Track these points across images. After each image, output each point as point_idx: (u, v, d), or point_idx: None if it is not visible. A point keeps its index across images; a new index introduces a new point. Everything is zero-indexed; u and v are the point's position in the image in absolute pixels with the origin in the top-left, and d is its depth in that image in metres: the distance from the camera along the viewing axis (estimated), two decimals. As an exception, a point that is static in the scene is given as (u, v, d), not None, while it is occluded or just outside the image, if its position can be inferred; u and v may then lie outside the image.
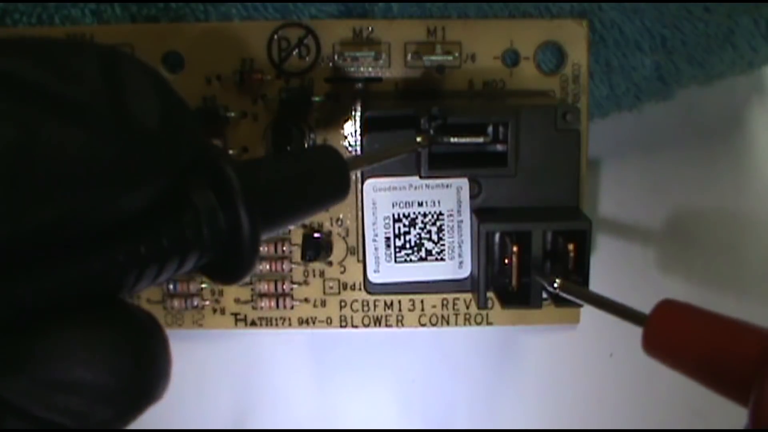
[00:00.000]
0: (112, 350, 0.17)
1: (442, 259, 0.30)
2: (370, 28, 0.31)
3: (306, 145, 0.31)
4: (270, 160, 0.27)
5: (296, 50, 0.31)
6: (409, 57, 0.32)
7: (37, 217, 0.15)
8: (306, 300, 0.33)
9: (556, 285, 0.27)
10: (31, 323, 0.16)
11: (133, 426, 0.36)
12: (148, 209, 0.18)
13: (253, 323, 0.34)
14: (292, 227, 0.31)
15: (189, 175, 0.19)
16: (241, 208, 0.19)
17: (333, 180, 0.24)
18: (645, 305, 0.35)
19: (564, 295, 0.27)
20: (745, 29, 0.32)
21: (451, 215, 0.30)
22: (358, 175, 0.32)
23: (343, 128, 0.32)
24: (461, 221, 0.30)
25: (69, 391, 0.16)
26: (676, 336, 0.22)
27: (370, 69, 0.32)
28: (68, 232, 0.16)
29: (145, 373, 0.17)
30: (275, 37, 0.31)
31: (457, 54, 0.31)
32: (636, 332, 0.35)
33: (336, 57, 0.31)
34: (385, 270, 0.30)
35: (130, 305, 0.18)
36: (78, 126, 0.16)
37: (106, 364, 0.17)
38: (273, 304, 0.33)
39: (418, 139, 0.28)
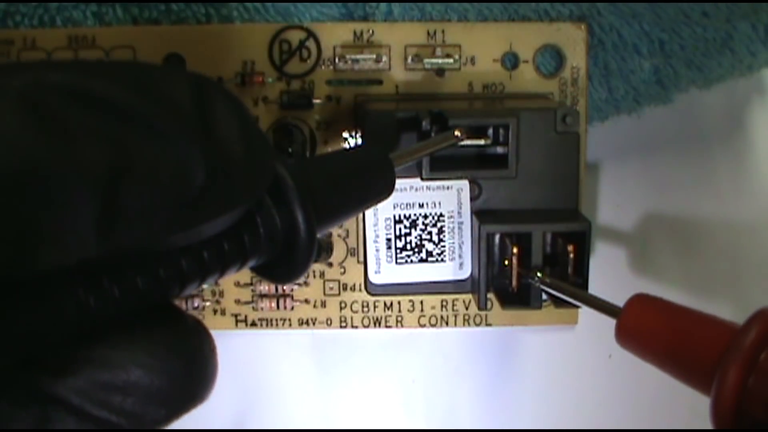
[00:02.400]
0: (167, 353, 0.17)
1: (442, 260, 0.30)
2: (370, 31, 0.32)
3: (307, 149, 0.31)
4: (320, 158, 0.27)
5: (297, 53, 0.32)
6: (409, 60, 0.32)
7: (125, 239, 0.16)
8: (306, 301, 0.33)
9: (536, 279, 0.28)
10: (94, 327, 0.17)
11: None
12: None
13: (253, 324, 0.34)
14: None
15: None
16: (296, 207, 0.19)
17: (381, 176, 0.24)
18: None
19: (544, 288, 0.28)
20: (743, 34, 0.32)
21: (451, 217, 0.30)
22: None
23: (343, 130, 0.32)
24: (462, 223, 0.30)
25: (125, 392, 0.17)
26: (646, 328, 0.23)
27: (370, 72, 0.32)
28: (149, 250, 0.17)
29: (197, 375, 0.18)
30: (276, 39, 0.31)
31: (457, 57, 0.32)
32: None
33: (337, 59, 0.32)
34: (386, 271, 0.30)
35: (181, 310, 0.19)
36: (170, 151, 0.16)
37: (162, 366, 0.17)
38: (273, 305, 0.33)
39: (457, 133, 0.28)
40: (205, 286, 0.19)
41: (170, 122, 0.16)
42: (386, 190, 0.25)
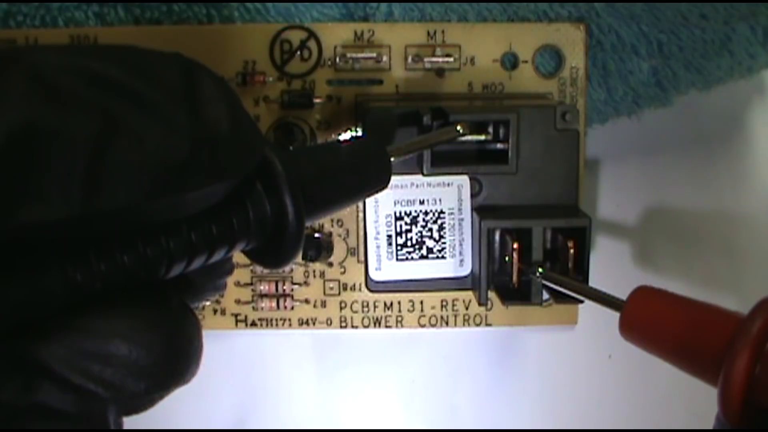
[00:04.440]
0: (147, 327, 0.18)
1: (443, 257, 0.30)
2: (371, 31, 0.32)
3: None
4: (314, 149, 0.28)
5: (298, 53, 0.32)
6: (409, 60, 0.32)
7: (106, 204, 0.16)
8: (306, 301, 0.33)
9: (538, 274, 0.28)
10: (83, 301, 0.17)
11: (133, 426, 0.36)
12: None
13: (253, 324, 0.34)
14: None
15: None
16: (286, 196, 0.20)
17: (376, 168, 0.24)
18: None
19: (546, 283, 0.28)
20: (742, 36, 0.32)
21: (452, 213, 0.30)
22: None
23: (344, 130, 0.32)
24: (462, 219, 0.30)
25: (105, 362, 0.17)
26: (651, 320, 0.23)
27: (371, 71, 0.32)
28: (134, 219, 0.17)
29: (177, 352, 0.18)
30: (277, 39, 0.32)
31: (456, 57, 0.32)
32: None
33: (337, 59, 0.32)
34: (386, 268, 0.30)
35: (169, 291, 0.19)
36: (157, 122, 0.17)
37: (141, 339, 0.18)
38: (273, 304, 0.33)
39: (459, 128, 0.28)
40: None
41: (158, 96, 0.17)
42: (381, 182, 0.25)
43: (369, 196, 0.25)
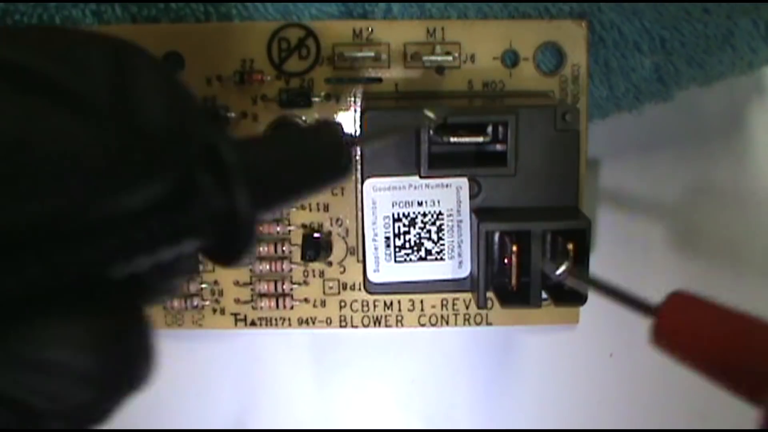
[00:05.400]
0: (90, 331, 0.16)
1: (441, 259, 0.30)
2: (370, 29, 0.31)
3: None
4: (270, 138, 0.27)
5: (296, 51, 0.31)
6: (408, 57, 0.32)
7: (30, 210, 0.15)
8: (306, 300, 0.33)
9: (560, 271, 0.27)
10: (14, 307, 0.16)
11: (133, 426, 0.36)
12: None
13: (253, 323, 0.34)
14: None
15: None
16: (237, 190, 0.19)
17: (334, 159, 0.23)
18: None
19: (569, 283, 0.27)
20: (744, 30, 0.32)
21: (450, 215, 0.30)
22: (358, 175, 0.32)
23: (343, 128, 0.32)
24: (461, 221, 0.30)
25: (45, 372, 0.16)
26: (688, 330, 0.22)
27: (370, 69, 0.32)
28: (63, 224, 0.16)
29: (125, 357, 0.17)
30: (275, 37, 0.31)
31: (456, 54, 0.32)
32: (636, 332, 0.35)
33: (336, 58, 0.32)
34: (384, 270, 0.30)
35: (115, 291, 0.18)
36: (79, 119, 0.15)
37: (84, 344, 0.16)
38: (273, 304, 0.33)
39: (429, 114, 0.27)
40: (148, 267, 0.18)
41: (80, 89, 0.16)
42: (340, 173, 0.24)
43: (330, 186, 0.24)
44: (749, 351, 0.20)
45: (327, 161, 0.23)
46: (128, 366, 0.17)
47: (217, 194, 0.19)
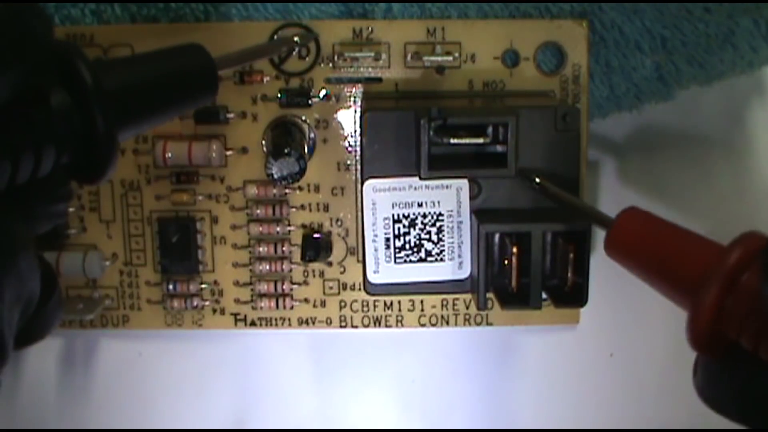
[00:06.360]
0: None
1: (441, 260, 0.30)
2: (370, 29, 0.31)
3: (306, 147, 0.31)
4: (132, 58, 0.27)
5: (296, 50, 0.31)
6: (409, 57, 0.32)
7: None
8: (306, 300, 0.33)
9: (537, 180, 0.28)
10: None
11: (133, 426, 0.36)
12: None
13: (252, 323, 0.34)
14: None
15: (44, 73, 0.19)
16: (95, 108, 0.19)
17: (199, 78, 0.23)
18: (645, 304, 0.35)
19: (544, 191, 0.28)
20: (745, 30, 0.32)
21: (450, 216, 0.30)
22: (358, 176, 0.32)
23: (343, 129, 0.32)
24: (461, 222, 0.30)
25: None
26: (636, 239, 0.24)
27: (370, 69, 0.32)
28: None
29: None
30: (275, 37, 0.31)
31: (457, 54, 0.31)
32: (636, 332, 0.35)
33: (336, 57, 0.31)
34: (384, 270, 0.30)
35: None
36: None
37: None
38: (273, 304, 0.33)
39: (295, 39, 0.28)
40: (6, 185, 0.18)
41: None
42: (206, 93, 0.24)
43: (195, 107, 0.24)
44: (683, 261, 0.22)
45: (193, 81, 0.23)
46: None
47: (74, 111, 0.19)
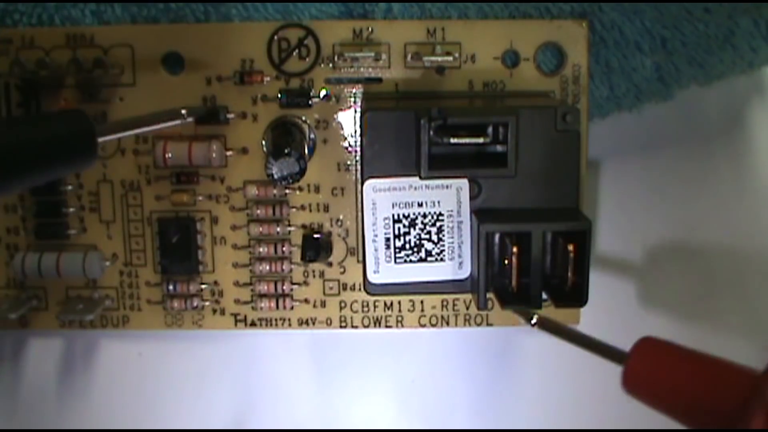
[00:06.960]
0: None
1: (441, 260, 0.30)
2: (370, 29, 0.31)
3: (306, 147, 0.31)
4: (13, 119, 0.27)
5: (296, 51, 0.31)
6: (409, 58, 0.32)
7: None
8: (306, 301, 0.33)
9: (534, 321, 0.27)
10: None
11: (133, 426, 0.36)
12: None
13: (252, 324, 0.34)
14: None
15: None
16: None
17: (80, 146, 0.24)
18: (645, 305, 0.35)
19: (543, 330, 0.27)
20: (745, 30, 0.32)
21: (450, 216, 0.30)
22: (358, 176, 0.32)
23: (343, 129, 0.32)
24: (461, 222, 0.30)
25: None
26: (657, 376, 0.22)
27: (370, 70, 0.32)
28: None
29: None
30: (275, 37, 0.31)
31: (457, 55, 0.31)
32: (636, 332, 0.35)
33: (336, 58, 0.31)
34: (384, 271, 0.30)
35: None
36: None
37: None
38: (273, 304, 0.33)
39: (183, 112, 0.28)
40: None
41: None
42: (84, 160, 0.24)
43: (71, 172, 0.24)
44: (715, 393, 0.21)
45: (71, 148, 0.23)
46: None
47: None
